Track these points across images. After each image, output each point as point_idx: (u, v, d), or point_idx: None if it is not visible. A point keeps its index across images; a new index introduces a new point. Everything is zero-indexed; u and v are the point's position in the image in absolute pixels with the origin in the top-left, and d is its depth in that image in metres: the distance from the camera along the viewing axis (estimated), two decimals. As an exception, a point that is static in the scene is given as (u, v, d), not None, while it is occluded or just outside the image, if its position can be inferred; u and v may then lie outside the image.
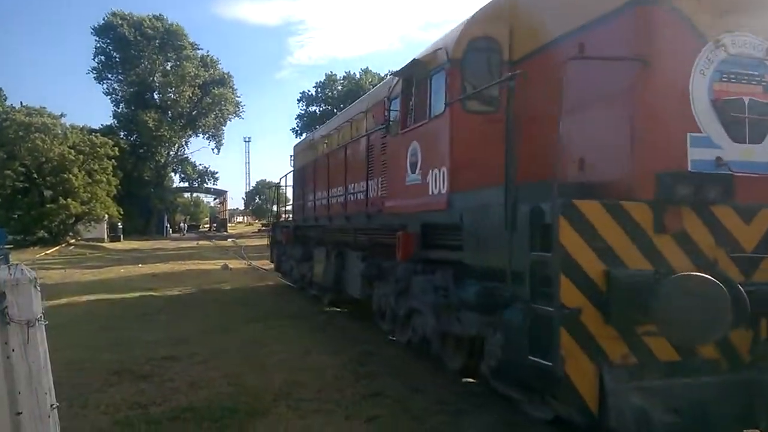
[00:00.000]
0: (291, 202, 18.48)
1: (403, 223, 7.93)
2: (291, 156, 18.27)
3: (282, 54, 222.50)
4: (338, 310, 12.68)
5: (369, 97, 11.44)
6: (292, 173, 17.65)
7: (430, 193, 7.11)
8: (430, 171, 7.14)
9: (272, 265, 19.66)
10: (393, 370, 7.49)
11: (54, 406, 3.71)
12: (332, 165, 12.50)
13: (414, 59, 7.81)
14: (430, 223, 7.28)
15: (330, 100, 55.95)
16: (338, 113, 14.61)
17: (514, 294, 5.11)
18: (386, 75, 44.01)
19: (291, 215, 19.02)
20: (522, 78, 5.35)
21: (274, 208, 20.79)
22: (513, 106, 5.26)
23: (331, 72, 58.92)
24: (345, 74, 57.64)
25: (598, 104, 5.37)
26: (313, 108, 57.64)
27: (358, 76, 56.70)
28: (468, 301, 5.96)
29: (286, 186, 18.73)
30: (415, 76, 7.89)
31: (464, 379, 7.01)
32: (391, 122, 8.75)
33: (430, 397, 6.38)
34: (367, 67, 57.85)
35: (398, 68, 8.51)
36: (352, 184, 10.99)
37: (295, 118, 58.34)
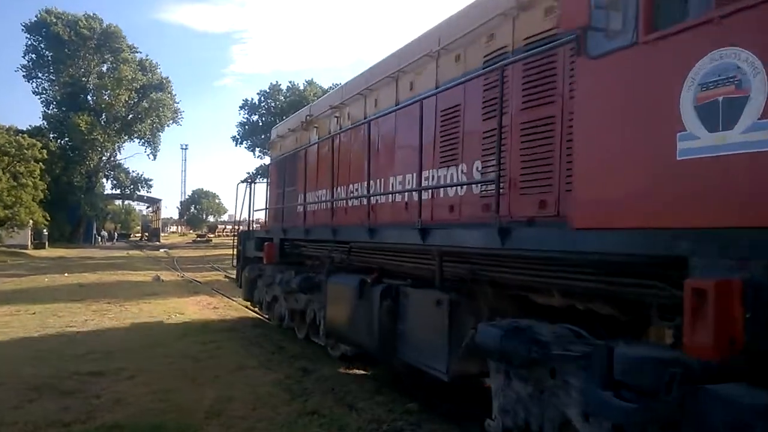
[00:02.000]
0: (268, 205, 13.40)
1: (673, 254, 3.39)
2: (268, 143, 14.02)
3: (225, 62, 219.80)
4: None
5: (441, 29, 6.94)
6: (273, 165, 13.56)
7: None
8: None
9: (209, 278, 18.78)
10: (329, 388, 7.40)
11: (-32, 426, 3.49)
12: (371, 144, 7.72)
13: None
14: None
15: (273, 110, 55.45)
16: (357, 75, 9.54)
17: None
18: (330, 88, 44.06)
19: (268, 222, 13.47)
20: None
21: (242, 214, 13.91)
22: None
23: (276, 82, 58.30)
24: (289, 85, 57.33)
25: None
26: (255, 117, 56.96)
27: (302, 87, 56.48)
28: None
29: (270, 181, 13.48)
30: None
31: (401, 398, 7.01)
32: (590, 29, 4.08)
33: (366, 416, 6.33)
34: (312, 79, 57.73)
35: None
36: (434, 172, 6.52)
37: (237, 126, 57.56)
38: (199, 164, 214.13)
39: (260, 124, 55.61)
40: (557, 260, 4.40)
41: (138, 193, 76.64)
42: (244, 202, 13.33)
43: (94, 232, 66.68)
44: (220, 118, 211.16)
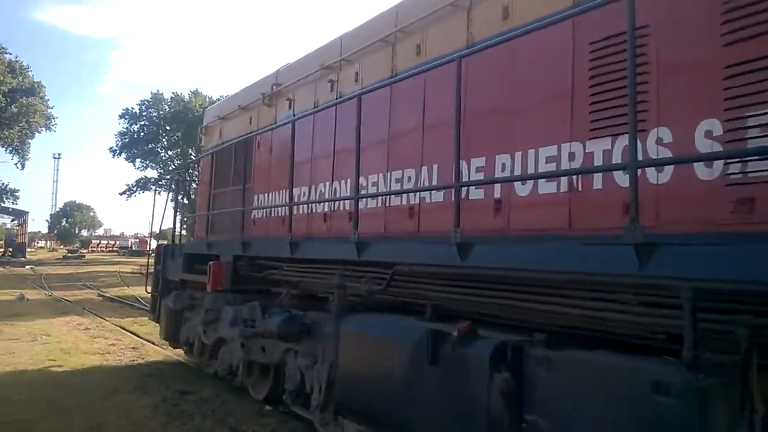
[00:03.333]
0: (203, 209, 10.13)
1: None
2: (201, 128, 11.08)
3: (105, 68, 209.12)
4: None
5: None
6: (212, 156, 10.00)
7: None
8: None
9: (80, 297, 17.45)
10: (209, 410, 7.17)
11: None
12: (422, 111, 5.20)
13: None
14: None
15: (156, 120, 53.34)
16: (369, 19, 6.55)
17: None
18: (219, 98, 42.95)
19: (210, 233, 9.34)
20: None
21: (161, 222, 10.97)
22: None
23: (158, 90, 56.11)
24: (173, 95, 55.33)
25: None
26: (136, 127, 54.50)
27: (186, 97, 54.67)
28: None
29: (206, 179, 10.17)
30: None
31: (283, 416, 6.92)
32: None
33: (248, 437, 6.21)
34: (197, 89, 55.99)
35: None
36: (570, 146, 3.80)
37: (115, 136, 54.79)
38: (73, 175, 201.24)
39: (141, 134, 53.40)
40: None
41: (2, 204, 71.19)
42: (166, 208, 10.61)
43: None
44: (99, 126, 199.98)
